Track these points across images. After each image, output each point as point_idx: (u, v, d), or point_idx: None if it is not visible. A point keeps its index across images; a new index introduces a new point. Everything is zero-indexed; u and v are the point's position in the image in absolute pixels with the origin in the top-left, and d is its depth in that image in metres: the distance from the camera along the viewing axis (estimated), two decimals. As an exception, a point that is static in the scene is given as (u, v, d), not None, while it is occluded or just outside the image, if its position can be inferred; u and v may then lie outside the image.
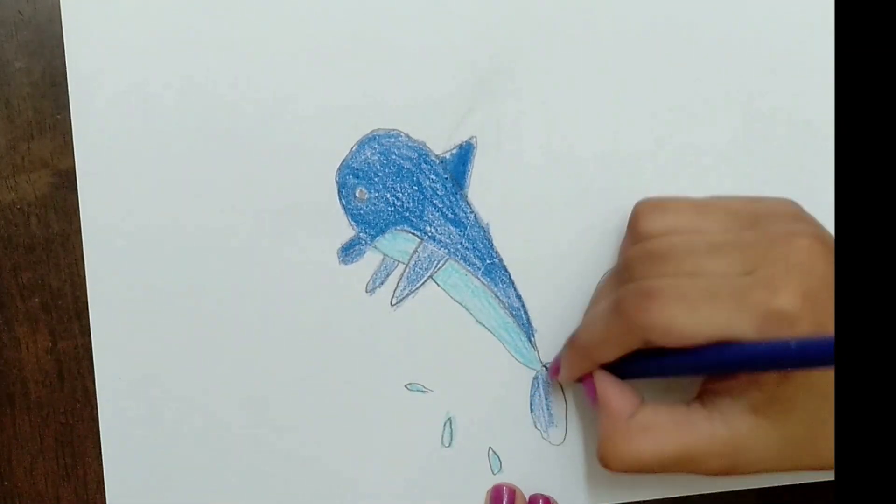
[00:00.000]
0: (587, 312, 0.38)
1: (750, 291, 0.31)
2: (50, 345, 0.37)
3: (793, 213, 0.34)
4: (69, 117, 0.36)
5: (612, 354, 0.34)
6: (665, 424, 0.33)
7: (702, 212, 0.35)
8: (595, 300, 0.37)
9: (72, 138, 0.37)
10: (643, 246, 0.34)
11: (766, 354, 0.31)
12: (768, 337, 0.31)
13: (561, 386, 0.39)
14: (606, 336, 0.34)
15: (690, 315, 0.31)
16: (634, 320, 0.32)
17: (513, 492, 0.38)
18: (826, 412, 0.32)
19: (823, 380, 0.31)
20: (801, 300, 0.31)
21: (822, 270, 0.31)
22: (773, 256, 0.32)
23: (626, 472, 0.34)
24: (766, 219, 0.34)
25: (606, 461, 0.34)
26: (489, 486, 0.39)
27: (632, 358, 0.34)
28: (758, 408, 0.32)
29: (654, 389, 0.36)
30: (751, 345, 0.31)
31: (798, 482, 0.40)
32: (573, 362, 0.36)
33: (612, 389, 0.35)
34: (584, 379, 0.36)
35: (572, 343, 0.36)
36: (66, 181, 0.37)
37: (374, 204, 0.38)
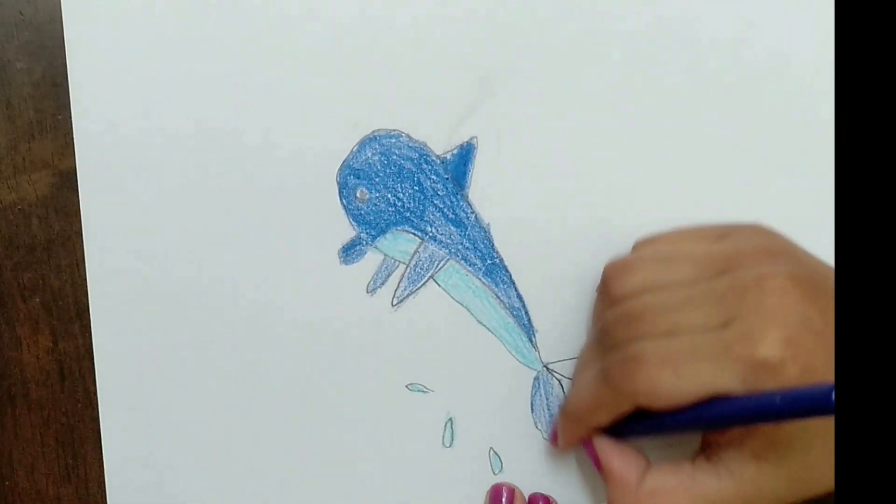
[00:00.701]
0: (573, 380, 0.38)
1: (731, 345, 0.31)
2: (51, 345, 0.37)
3: (764, 249, 0.34)
4: (70, 118, 0.36)
5: (604, 420, 0.34)
6: (673, 488, 0.33)
7: (670, 264, 0.35)
8: (580, 368, 0.37)
9: (73, 139, 0.37)
10: (618, 309, 0.34)
11: (753, 410, 0.31)
12: (755, 387, 0.31)
13: (562, 386, 0.39)
14: (596, 404, 0.34)
15: (675, 377, 0.32)
16: (622, 388, 0.33)
17: (512, 491, 0.38)
18: (826, 447, 0.32)
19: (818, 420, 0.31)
20: (783, 347, 0.31)
21: (799, 311, 0.31)
22: (747, 305, 0.32)
23: None
24: (735, 262, 0.33)
25: None
26: (490, 486, 0.39)
27: (628, 419, 0.34)
28: (759, 454, 0.32)
29: (657, 444, 0.36)
30: (738, 400, 0.31)
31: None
32: (568, 430, 0.36)
33: (614, 456, 0.35)
34: (585, 445, 0.36)
35: (564, 412, 0.36)
36: (67, 181, 0.37)
37: (375, 204, 0.38)
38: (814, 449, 0.32)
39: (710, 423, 0.32)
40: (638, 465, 0.35)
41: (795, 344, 0.31)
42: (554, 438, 0.38)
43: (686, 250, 0.35)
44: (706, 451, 0.34)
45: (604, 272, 0.36)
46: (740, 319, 0.32)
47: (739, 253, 0.34)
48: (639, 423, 0.34)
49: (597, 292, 0.37)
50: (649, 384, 0.32)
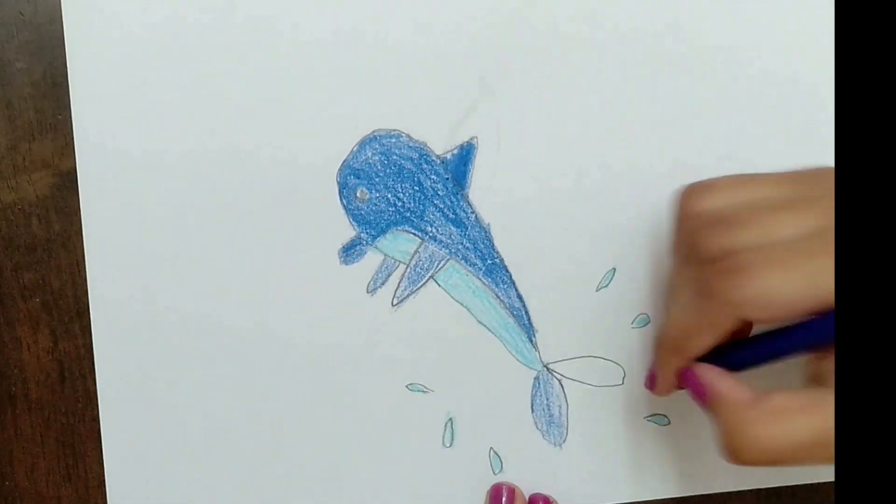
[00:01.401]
0: (668, 311, 0.35)
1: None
2: (51, 345, 0.37)
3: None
4: (70, 118, 0.36)
5: (706, 344, 0.32)
6: (806, 405, 0.29)
7: (749, 180, 0.32)
8: (672, 297, 0.34)
9: (73, 139, 0.37)
10: (707, 219, 0.32)
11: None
12: None
13: (562, 386, 0.39)
14: (699, 325, 0.31)
15: (786, 279, 0.29)
16: (728, 298, 0.30)
17: (512, 490, 0.38)
18: None
19: None
20: None
21: None
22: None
23: (757, 463, 0.30)
24: (820, 177, 0.31)
25: (737, 453, 0.30)
26: (490, 486, 0.39)
27: (726, 351, 0.32)
28: None
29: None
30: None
31: (798, 483, 0.41)
32: (667, 361, 0.34)
33: (724, 380, 0.32)
34: (686, 378, 0.33)
35: (662, 343, 0.34)
36: (67, 182, 0.37)
37: (375, 204, 0.38)
38: None
39: (821, 335, 0.29)
40: (748, 388, 0.31)
41: None
42: (651, 383, 0.36)
43: (765, 174, 0.33)
44: (818, 379, 0.31)
45: (682, 194, 0.33)
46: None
47: (823, 173, 0.32)
48: (736, 354, 0.32)
49: (676, 220, 0.34)
50: (759, 289, 0.29)
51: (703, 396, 0.32)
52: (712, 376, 0.32)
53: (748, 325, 0.33)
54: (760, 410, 0.30)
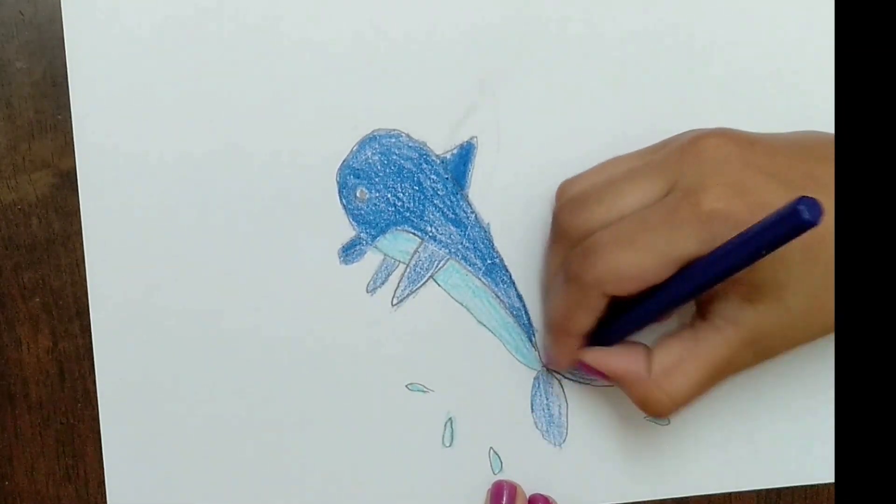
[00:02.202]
0: (547, 295, 0.38)
1: (677, 207, 0.31)
2: (51, 345, 0.37)
3: (696, 130, 0.34)
4: (70, 118, 0.36)
5: (586, 321, 0.34)
6: (683, 357, 0.33)
7: (613, 163, 0.35)
8: (546, 274, 0.37)
9: (73, 139, 0.37)
10: (567, 202, 0.35)
11: (723, 256, 0.30)
12: (712, 240, 0.30)
13: (562, 386, 0.39)
14: (570, 306, 0.34)
15: (633, 253, 0.31)
16: (586, 279, 0.32)
17: (513, 488, 0.38)
18: (815, 277, 0.31)
19: (798, 251, 0.31)
20: (726, 193, 0.31)
21: (738, 155, 0.31)
22: (686, 165, 0.32)
23: (679, 410, 0.34)
24: (671, 140, 0.34)
25: (659, 413, 0.34)
26: (490, 486, 0.39)
27: (611, 322, 0.34)
28: (750, 297, 0.32)
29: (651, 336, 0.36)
30: (705, 260, 0.31)
31: (798, 483, 0.41)
32: (557, 345, 0.36)
33: (611, 357, 0.35)
34: (582, 368, 0.36)
35: (548, 328, 0.36)
36: (67, 181, 0.37)
37: (375, 204, 0.38)
38: (803, 281, 0.31)
39: (688, 291, 0.32)
40: (638, 354, 0.34)
41: (739, 186, 0.31)
42: (548, 361, 0.38)
43: (629, 153, 0.36)
44: (700, 312, 0.34)
45: (558, 188, 0.36)
46: (681, 180, 0.32)
47: (674, 137, 0.34)
48: (624, 321, 0.34)
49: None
50: (611, 268, 0.32)
51: (601, 377, 0.35)
52: (601, 358, 0.35)
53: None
54: (654, 374, 0.33)
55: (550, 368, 0.39)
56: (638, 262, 0.32)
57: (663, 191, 0.32)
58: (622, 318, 0.34)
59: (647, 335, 0.35)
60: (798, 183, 0.31)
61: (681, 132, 0.35)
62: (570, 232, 0.34)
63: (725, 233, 0.30)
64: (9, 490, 0.38)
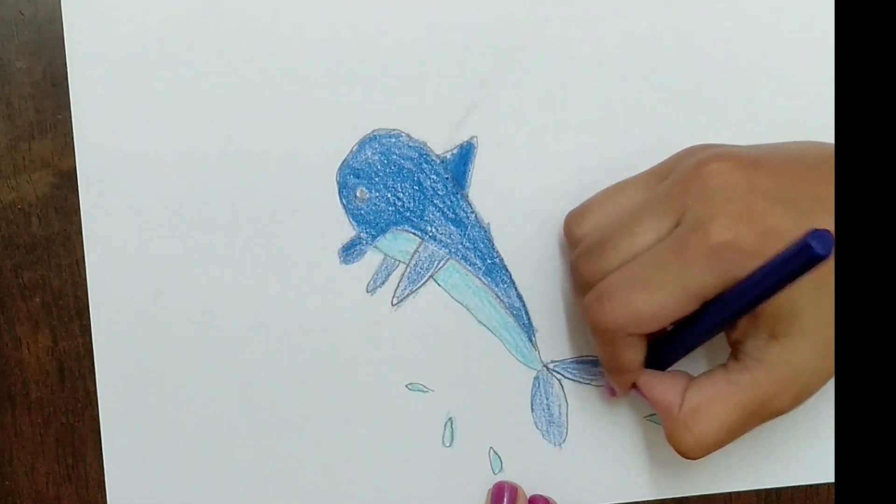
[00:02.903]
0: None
1: (686, 242, 0.31)
2: (51, 345, 0.37)
3: (699, 147, 0.34)
4: (70, 117, 0.36)
5: (630, 359, 0.34)
6: (713, 398, 0.33)
7: (619, 191, 0.35)
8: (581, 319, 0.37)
9: (73, 138, 0.37)
10: (581, 247, 0.34)
11: (738, 294, 0.31)
12: (726, 273, 0.30)
13: (562, 386, 0.39)
14: (605, 349, 0.34)
15: (648, 295, 0.31)
16: (606, 326, 0.32)
17: (514, 490, 0.38)
18: (830, 296, 0.31)
19: (810, 277, 0.30)
20: (733, 223, 0.30)
21: (743, 182, 0.31)
22: (691, 196, 0.32)
23: (703, 455, 0.33)
24: (676, 164, 0.34)
25: (683, 455, 0.34)
26: (490, 486, 0.39)
27: (654, 347, 0.34)
28: (774, 332, 0.32)
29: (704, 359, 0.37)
30: (722, 297, 0.31)
31: (798, 483, 0.41)
32: (613, 382, 0.36)
33: (654, 386, 0.35)
34: (633, 389, 0.36)
35: (603, 368, 0.36)
36: (67, 181, 0.37)
37: (375, 204, 0.38)
38: (819, 305, 0.31)
39: (713, 322, 0.32)
40: (677, 387, 0.34)
41: (746, 214, 0.30)
42: (610, 393, 0.38)
43: (632, 178, 0.35)
44: (733, 351, 0.34)
45: (563, 224, 0.36)
46: (688, 213, 0.31)
47: (677, 159, 0.34)
48: (668, 345, 0.34)
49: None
50: (628, 311, 0.32)
51: (649, 404, 0.35)
52: (646, 385, 0.35)
53: None
54: (684, 411, 0.33)
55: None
56: (652, 302, 0.31)
57: (672, 225, 0.32)
58: (668, 344, 0.34)
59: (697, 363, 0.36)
60: (805, 206, 0.31)
61: (682, 149, 0.35)
62: (588, 279, 0.34)
63: (737, 262, 0.30)
64: (9, 490, 0.38)
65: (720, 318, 0.32)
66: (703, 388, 0.33)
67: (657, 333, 0.34)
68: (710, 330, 0.33)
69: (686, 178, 0.32)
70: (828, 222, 0.30)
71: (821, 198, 0.31)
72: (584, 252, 0.34)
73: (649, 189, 0.34)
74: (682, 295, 0.31)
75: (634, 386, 0.36)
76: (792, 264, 0.29)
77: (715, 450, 0.33)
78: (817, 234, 0.28)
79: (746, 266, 0.30)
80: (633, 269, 0.32)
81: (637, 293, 0.32)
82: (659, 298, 0.31)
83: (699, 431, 0.33)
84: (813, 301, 0.31)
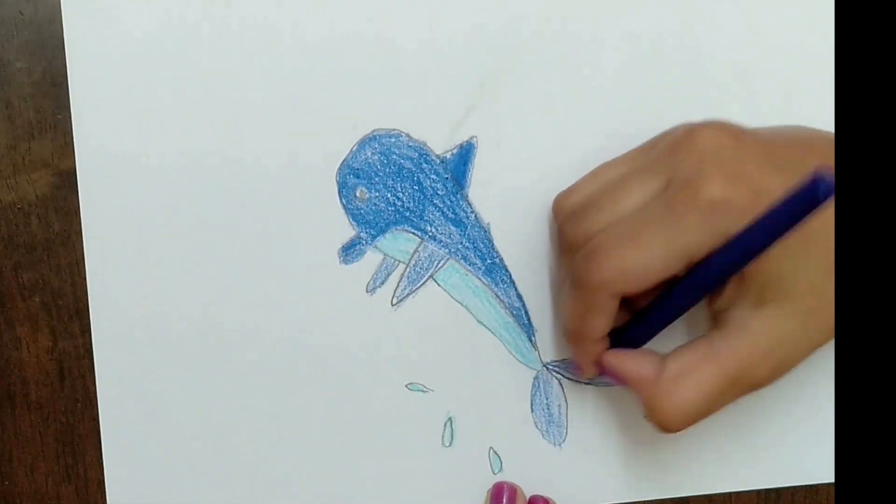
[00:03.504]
0: (561, 303, 0.38)
1: (676, 199, 0.31)
2: (50, 345, 0.37)
3: (688, 123, 0.34)
4: (70, 117, 0.36)
5: (600, 324, 0.34)
6: (693, 364, 0.33)
7: (606, 166, 0.35)
8: (560, 289, 0.37)
9: (72, 138, 0.37)
10: (566, 215, 0.35)
11: (732, 247, 0.31)
12: (714, 229, 0.30)
13: (562, 386, 0.39)
14: (583, 311, 0.33)
15: (637, 251, 0.31)
16: (592, 282, 0.32)
17: (513, 490, 0.38)
18: (818, 264, 0.31)
19: (797, 241, 0.30)
20: (724, 181, 0.31)
21: (732, 145, 0.31)
22: (681, 158, 0.32)
23: (686, 426, 0.33)
24: (664, 135, 0.34)
25: (664, 426, 0.33)
26: (490, 485, 0.39)
27: (629, 326, 0.34)
28: (759, 299, 0.32)
29: (675, 338, 0.36)
30: (721, 249, 0.31)
31: (798, 483, 0.41)
32: (578, 352, 0.36)
33: (626, 362, 0.34)
34: (601, 368, 0.35)
35: (566, 335, 0.36)
36: (67, 181, 0.37)
37: (375, 204, 0.38)
38: (806, 272, 0.31)
39: (701, 284, 0.32)
40: (652, 360, 0.34)
41: (737, 174, 0.31)
42: (577, 369, 0.38)
43: (619, 156, 0.36)
44: (714, 321, 0.34)
45: (553, 202, 0.36)
46: (678, 173, 0.32)
47: (665, 133, 0.35)
48: (644, 324, 0.34)
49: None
50: (616, 267, 0.32)
51: (618, 381, 0.35)
52: (616, 360, 0.34)
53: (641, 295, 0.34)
54: (664, 381, 0.33)
55: (576, 379, 0.39)
56: (642, 257, 0.31)
57: (661, 186, 0.32)
58: (642, 321, 0.34)
59: (668, 345, 0.35)
60: (792, 169, 0.31)
61: (670, 128, 0.35)
62: (574, 241, 0.34)
63: (727, 220, 0.30)
64: (9, 490, 0.38)
65: (716, 273, 0.31)
66: (683, 356, 0.33)
67: (636, 304, 0.34)
68: (701, 289, 0.32)
69: (676, 142, 0.32)
70: None
71: (807, 164, 0.30)
72: (570, 215, 0.35)
73: (637, 161, 0.35)
74: (672, 251, 0.31)
75: (603, 370, 0.35)
76: (797, 205, 0.28)
77: (694, 422, 0.33)
78: (820, 176, 0.27)
79: (738, 224, 0.30)
80: (622, 226, 0.32)
81: (627, 249, 0.32)
82: (649, 254, 0.31)
83: (680, 398, 0.32)
84: (801, 268, 0.31)
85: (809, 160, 0.31)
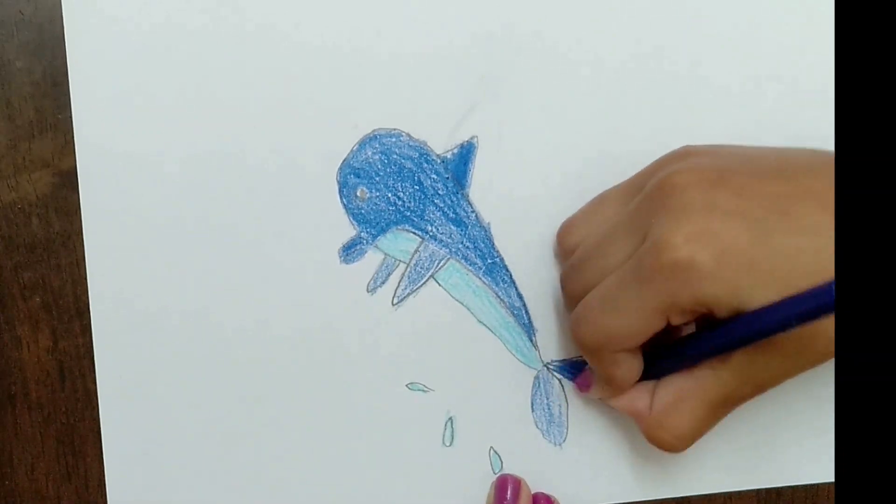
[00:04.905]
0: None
1: (642, 262, 0.31)
2: (51, 344, 0.37)
3: (678, 154, 0.34)
4: (70, 117, 0.36)
5: (624, 374, 0.34)
6: (680, 396, 0.34)
7: (600, 204, 0.36)
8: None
9: (73, 138, 0.37)
10: (567, 265, 0.36)
11: (725, 340, 0.31)
12: (681, 293, 0.30)
13: (562, 385, 0.39)
14: (600, 367, 0.35)
15: (616, 317, 0.32)
16: (588, 346, 0.34)
17: (518, 482, 0.38)
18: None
19: None
20: (685, 243, 0.30)
21: (702, 199, 0.31)
22: (653, 214, 0.32)
23: (689, 445, 0.34)
24: (652, 174, 0.34)
25: (667, 450, 0.35)
26: (490, 484, 0.39)
27: (651, 357, 0.35)
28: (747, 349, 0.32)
29: None
30: (711, 334, 0.32)
31: (798, 483, 0.41)
32: (602, 392, 0.37)
33: (622, 398, 0.36)
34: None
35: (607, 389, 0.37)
36: (68, 181, 0.37)
37: (375, 203, 0.38)
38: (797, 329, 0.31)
39: (698, 355, 0.33)
40: (642, 394, 0.35)
41: (701, 234, 0.30)
42: (584, 387, 0.38)
43: (613, 189, 0.36)
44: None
45: (556, 233, 0.37)
46: (651, 231, 0.31)
47: (656, 166, 0.34)
48: (663, 361, 0.35)
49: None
50: (601, 333, 0.33)
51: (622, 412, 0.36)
52: (612, 400, 0.36)
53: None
54: (655, 416, 0.34)
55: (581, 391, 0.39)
56: (622, 322, 0.32)
57: (639, 243, 0.32)
58: (668, 355, 0.35)
59: None
60: (768, 223, 0.30)
61: (664, 155, 0.35)
62: (572, 296, 0.35)
63: (691, 281, 0.30)
64: (9, 490, 0.38)
65: (719, 345, 0.32)
66: (669, 388, 0.34)
67: (655, 343, 0.34)
68: (707, 354, 0.33)
69: (651, 195, 0.32)
70: (793, 241, 0.30)
71: (789, 214, 0.30)
72: (569, 269, 0.36)
73: (626, 202, 0.34)
74: (644, 315, 0.32)
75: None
76: (809, 305, 0.29)
77: (694, 441, 0.34)
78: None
79: (701, 286, 0.30)
80: (602, 290, 0.33)
81: (607, 315, 0.32)
82: (626, 319, 0.32)
83: (672, 427, 0.34)
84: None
85: (792, 208, 0.30)
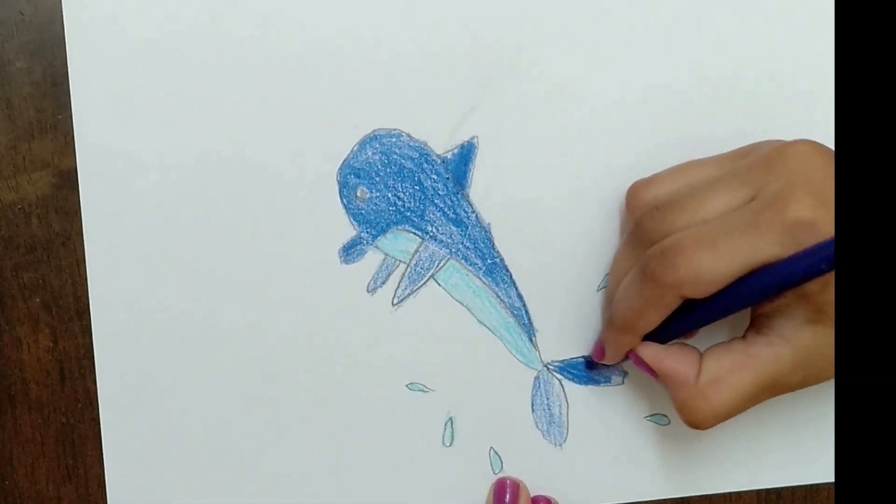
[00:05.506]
0: (609, 289, 0.38)
1: (761, 213, 0.31)
2: (51, 345, 0.37)
3: (779, 140, 0.34)
4: (70, 117, 0.36)
5: (653, 321, 0.34)
6: (731, 369, 0.33)
7: (692, 165, 0.36)
8: (616, 279, 0.37)
9: (73, 138, 0.37)
10: (648, 207, 0.35)
11: (796, 267, 0.31)
12: (794, 248, 0.31)
13: (562, 386, 0.39)
14: (643, 305, 0.34)
15: (715, 257, 0.31)
16: (664, 280, 0.32)
17: (516, 486, 0.38)
18: None
19: None
20: (813, 204, 0.31)
21: (823, 171, 0.31)
22: (772, 173, 0.32)
23: (714, 425, 0.34)
24: (755, 148, 0.34)
25: (695, 425, 0.34)
26: (492, 483, 0.39)
27: (671, 319, 0.34)
28: (812, 318, 0.32)
29: (705, 334, 0.36)
30: (779, 264, 0.31)
31: (798, 483, 0.41)
32: (618, 341, 0.36)
33: (665, 357, 0.35)
34: (632, 357, 0.36)
35: (612, 322, 0.36)
36: (68, 181, 0.37)
37: (376, 203, 0.38)
38: None
39: (755, 295, 0.32)
40: (691, 358, 0.34)
41: (824, 201, 0.31)
42: (599, 354, 0.38)
43: (705, 158, 0.36)
44: (755, 325, 0.34)
45: (628, 190, 0.36)
46: (767, 188, 0.32)
47: (753, 146, 0.35)
48: (685, 319, 0.34)
49: (625, 214, 0.37)
50: (691, 270, 0.32)
51: (650, 374, 0.35)
52: (656, 356, 0.35)
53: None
54: (701, 383, 0.33)
55: (596, 361, 0.38)
56: (718, 264, 0.31)
57: (747, 198, 0.32)
58: (681, 319, 0.34)
59: (699, 342, 0.35)
60: None
61: (761, 141, 0.35)
62: (651, 236, 0.34)
63: (808, 242, 0.30)
64: (9, 490, 0.38)
65: (770, 286, 0.32)
66: (721, 359, 0.34)
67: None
68: (751, 298, 0.32)
69: (768, 157, 0.32)
70: None
71: None
72: (654, 210, 0.34)
73: (724, 167, 0.34)
74: (747, 263, 0.31)
75: (627, 356, 0.36)
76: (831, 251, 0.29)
77: (723, 421, 0.34)
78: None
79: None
80: (703, 230, 0.32)
81: (704, 253, 0.32)
82: (725, 262, 0.31)
83: (716, 402, 0.33)
84: None
85: None
